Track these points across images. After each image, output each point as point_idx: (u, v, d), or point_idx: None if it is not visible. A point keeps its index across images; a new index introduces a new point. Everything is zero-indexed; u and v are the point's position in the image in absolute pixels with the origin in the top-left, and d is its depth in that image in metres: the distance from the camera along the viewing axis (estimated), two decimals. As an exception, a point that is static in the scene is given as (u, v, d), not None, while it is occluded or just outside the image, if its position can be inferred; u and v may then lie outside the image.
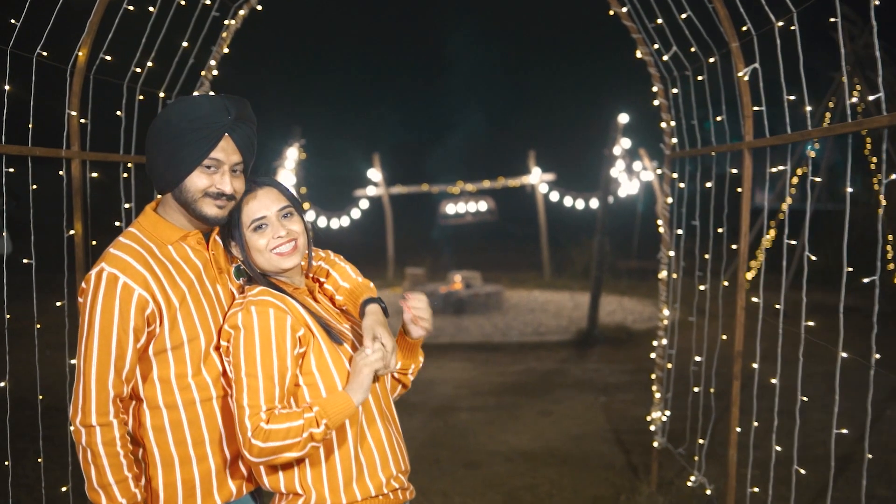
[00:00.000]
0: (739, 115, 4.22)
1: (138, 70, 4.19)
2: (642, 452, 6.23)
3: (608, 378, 8.88)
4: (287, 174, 14.19)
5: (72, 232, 3.81)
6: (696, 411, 5.28)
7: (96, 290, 2.31)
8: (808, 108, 3.48)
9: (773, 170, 3.86)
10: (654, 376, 5.58)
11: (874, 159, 12.00)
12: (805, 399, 3.72)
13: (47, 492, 4.05)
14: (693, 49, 4.50)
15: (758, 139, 4.03)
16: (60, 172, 3.77)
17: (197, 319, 2.42)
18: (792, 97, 3.67)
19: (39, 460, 3.98)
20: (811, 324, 3.68)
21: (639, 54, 4.95)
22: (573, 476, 5.84)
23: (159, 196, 2.55)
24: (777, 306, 3.93)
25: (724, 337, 4.69)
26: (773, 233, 12.54)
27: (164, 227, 2.47)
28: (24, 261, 3.72)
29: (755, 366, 4.16)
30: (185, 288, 2.42)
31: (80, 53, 3.78)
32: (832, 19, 3.13)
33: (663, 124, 5.21)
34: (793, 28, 3.40)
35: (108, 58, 3.91)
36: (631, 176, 15.54)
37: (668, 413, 5.51)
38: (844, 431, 3.54)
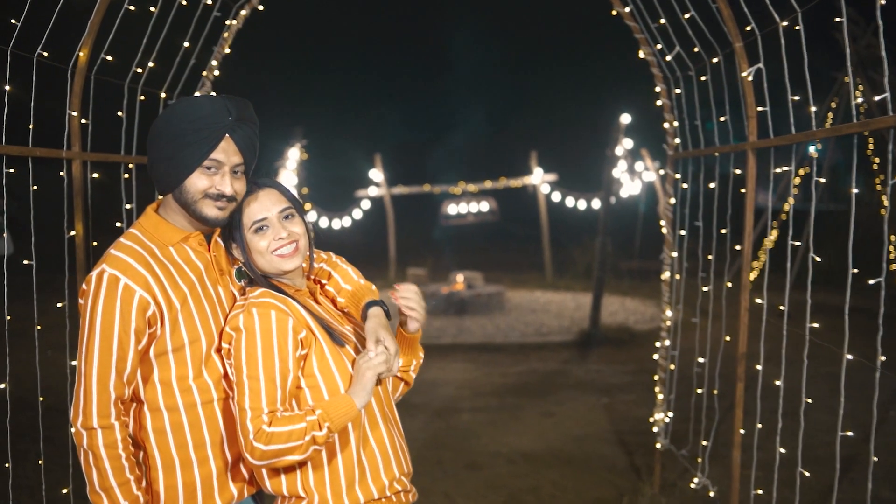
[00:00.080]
0: (743, 115, 4.20)
1: (139, 70, 4.18)
2: (645, 454, 6.21)
3: (610, 379, 8.86)
4: (289, 174, 14.18)
5: (73, 233, 3.80)
6: (699, 413, 5.26)
7: (97, 292, 2.30)
8: (813, 109, 3.46)
9: (778, 170, 3.84)
10: (656, 377, 5.56)
11: (877, 160, 11.98)
12: (809, 401, 3.70)
13: (48, 493, 4.04)
14: (696, 49, 4.48)
15: (762, 139, 4.01)
16: (61, 173, 3.76)
17: (198, 321, 2.41)
18: (796, 97, 3.65)
19: (40, 462, 3.96)
20: (816, 325, 3.66)
21: (642, 54, 4.94)
22: (575, 477, 5.82)
23: (160, 197, 2.54)
24: (781, 308, 3.91)
25: (728, 338, 4.67)
26: (775, 233, 12.51)
27: (166, 229, 2.46)
28: (25, 262, 3.70)
29: (759, 367, 4.14)
30: (187, 289, 2.41)
31: (81, 53, 3.77)
32: (837, 19, 3.11)
33: (666, 125, 5.19)
34: (797, 28, 3.38)
35: (109, 58, 3.90)
36: (633, 176, 15.54)
37: (670, 414, 5.49)
38: (850, 434, 3.52)
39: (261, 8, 4.72)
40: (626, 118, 12.66)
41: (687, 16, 4.30)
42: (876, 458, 3.34)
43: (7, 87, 3.35)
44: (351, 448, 2.38)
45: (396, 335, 2.60)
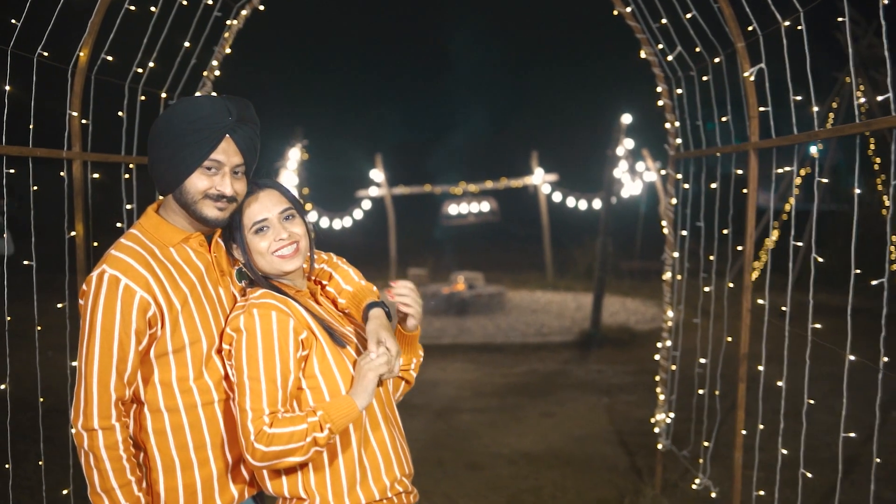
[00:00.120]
0: (745, 115, 4.19)
1: (140, 70, 4.17)
2: (646, 454, 6.20)
3: (611, 379, 8.85)
4: (289, 175, 14.16)
5: (73, 233, 3.79)
6: (700, 413, 5.26)
7: (97, 292, 2.29)
8: (816, 109, 3.45)
9: (780, 170, 3.83)
10: (657, 378, 5.55)
11: (878, 160, 11.97)
12: (812, 402, 3.69)
13: (48, 494, 4.03)
14: (698, 49, 4.47)
15: (764, 140, 4.00)
16: (62, 173, 3.75)
17: (199, 322, 2.40)
18: (798, 97, 3.64)
19: (40, 463, 3.96)
20: (818, 326, 3.65)
21: (643, 54, 4.93)
22: (576, 478, 5.82)
23: (161, 197, 2.53)
24: (784, 308, 3.90)
25: (730, 339, 4.66)
26: (776, 233, 12.50)
27: (166, 229, 2.45)
28: (25, 262, 3.70)
29: (761, 368, 4.13)
30: (187, 290, 2.40)
31: (82, 53, 3.76)
32: (839, 19, 3.10)
33: (668, 125, 5.18)
34: (799, 28, 3.37)
35: (110, 58, 3.89)
36: (634, 176, 15.53)
37: (672, 415, 5.48)
38: (852, 435, 3.51)
39: (261, 8, 4.72)
40: (626, 118, 12.65)
41: (688, 16, 4.30)
42: (879, 460, 3.33)
43: (7, 87, 3.35)
44: (352, 449, 2.37)
45: (396, 334, 2.59)
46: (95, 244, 3.87)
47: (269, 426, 2.19)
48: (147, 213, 2.51)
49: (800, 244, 3.90)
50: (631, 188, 15.54)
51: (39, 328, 3.79)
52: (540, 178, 17.40)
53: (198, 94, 4.60)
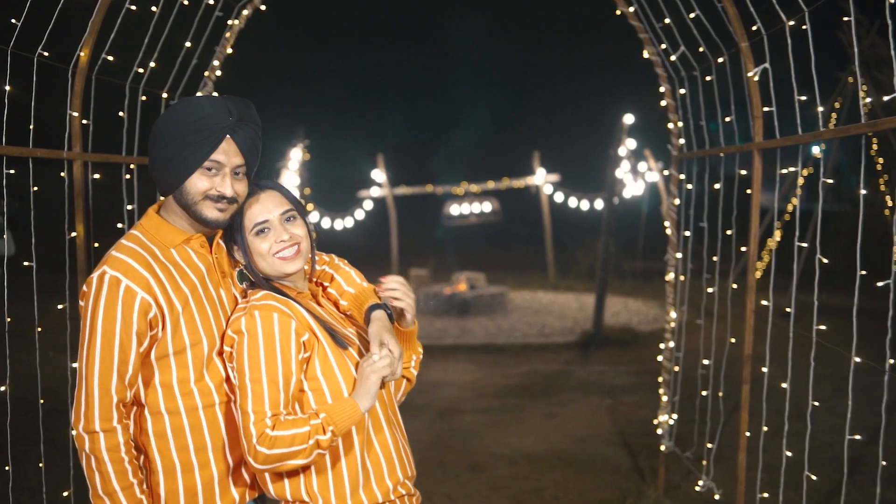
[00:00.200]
0: (749, 115, 4.17)
1: (141, 70, 4.16)
2: (649, 456, 6.18)
3: (614, 380, 8.83)
4: (291, 175, 14.15)
5: (73, 234, 3.78)
6: (703, 414, 5.24)
7: (98, 294, 2.27)
8: (821, 109, 3.43)
9: (784, 171, 3.81)
10: (660, 379, 5.53)
11: (880, 160, 11.95)
12: (816, 404, 3.68)
13: (49, 496, 4.02)
14: (701, 49, 4.45)
15: (768, 140, 3.98)
16: (62, 174, 3.74)
17: (200, 324, 2.39)
18: (803, 97, 3.62)
19: (41, 465, 3.94)
20: (823, 327, 3.63)
21: (646, 54, 4.91)
22: (579, 479, 5.80)
23: (162, 198, 2.52)
24: (788, 309, 3.89)
25: (733, 340, 4.65)
26: (778, 234, 12.48)
27: (167, 230, 2.44)
28: (25, 263, 3.68)
29: (765, 370, 4.11)
30: (188, 292, 2.39)
31: (82, 54, 3.75)
32: (844, 18, 3.09)
33: (671, 125, 5.17)
34: (804, 27, 3.35)
35: (111, 58, 3.88)
36: (636, 177, 15.50)
37: (675, 416, 5.46)
38: (858, 437, 3.49)
39: (263, 8, 4.70)
40: (629, 118, 12.63)
41: (692, 15, 4.28)
42: (885, 463, 3.31)
43: (7, 88, 3.34)
44: (355, 452, 2.36)
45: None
46: (96, 245, 3.86)
47: (271, 429, 2.18)
48: (148, 213, 2.49)
49: (804, 245, 3.88)
50: (633, 188, 15.51)
51: (40, 329, 3.77)
52: (542, 179, 17.39)
53: (199, 94, 4.59)
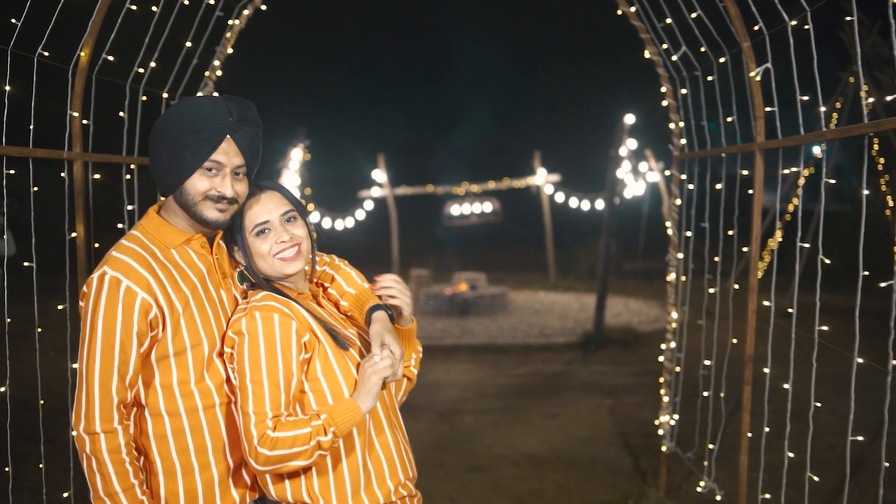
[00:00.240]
0: (751, 115, 4.16)
1: (141, 70, 4.15)
2: (650, 457, 6.17)
3: (615, 380, 8.82)
4: (292, 175, 14.14)
5: (74, 234, 3.77)
6: (704, 415, 5.23)
7: (98, 294, 2.27)
8: (823, 109, 3.42)
9: (786, 171, 3.80)
10: (662, 380, 5.52)
11: (881, 160, 11.94)
12: (819, 405, 3.67)
13: (49, 497, 4.01)
14: (703, 49, 4.44)
15: (770, 140, 3.97)
16: (62, 174, 3.73)
17: (200, 325, 2.38)
18: (805, 98, 3.61)
19: (41, 466, 3.93)
20: (825, 328, 3.62)
21: (647, 54, 4.90)
22: (580, 480, 5.79)
23: (163, 198, 2.51)
24: (790, 310, 3.88)
25: (735, 341, 4.64)
26: (778, 234, 12.47)
27: (168, 231, 2.43)
28: (26, 264, 3.68)
29: (766, 370, 4.10)
30: (189, 292, 2.38)
31: (83, 53, 3.74)
32: (847, 18, 3.08)
33: (672, 125, 5.16)
34: (806, 27, 3.34)
35: (111, 58, 3.87)
36: (637, 177, 15.49)
37: (676, 417, 5.45)
38: (860, 438, 3.48)
39: (263, 8, 4.70)
40: (629, 118, 12.62)
41: (693, 15, 4.27)
42: (888, 465, 3.30)
43: (7, 88, 3.33)
44: (356, 453, 2.35)
45: None
46: (96, 245, 3.86)
47: (272, 430, 2.17)
48: (148, 214, 2.49)
49: (806, 245, 3.87)
50: (634, 188, 15.50)
51: (40, 330, 3.77)
52: (542, 179, 17.38)
53: (199, 94, 4.58)
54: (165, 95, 4.42)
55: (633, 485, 5.66)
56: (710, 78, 4.57)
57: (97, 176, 4.06)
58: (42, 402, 3.80)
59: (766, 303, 4.13)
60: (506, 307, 14.12)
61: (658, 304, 13.86)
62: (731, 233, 4.63)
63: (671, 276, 5.39)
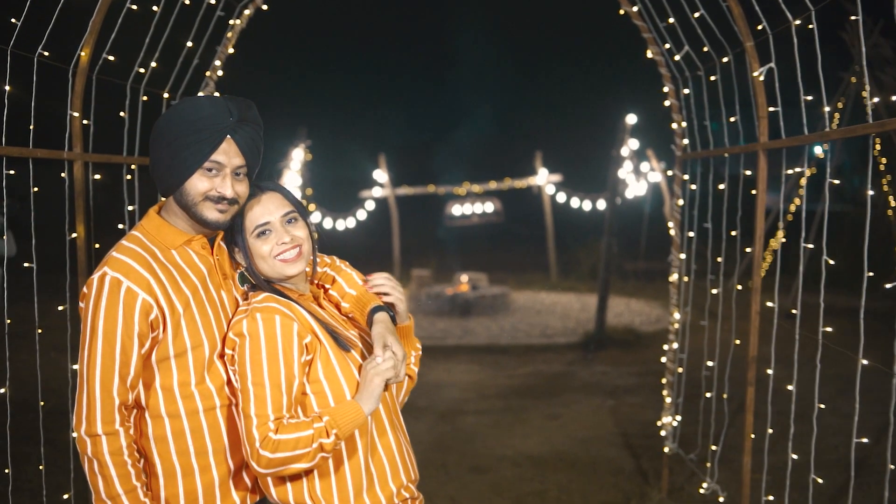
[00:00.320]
0: (754, 115, 4.14)
1: (142, 70, 4.14)
2: (652, 458, 6.15)
3: (616, 381, 8.81)
4: (293, 175, 14.14)
5: (74, 235, 3.76)
6: (707, 416, 5.21)
7: (99, 295, 2.25)
8: (827, 109, 3.40)
9: (790, 171, 3.79)
10: (664, 381, 5.51)
11: (883, 160, 11.92)
12: (822, 407, 3.65)
13: (49, 498, 4.00)
14: (706, 49, 4.43)
15: (773, 140, 3.95)
16: (63, 174, 3.72)
17: (201, 326, 2.36)
18: (809, 97, 3.60)
19: (41, 467, 3.92)
20: (829, 329, 3.60)
21: (650, 54, 4.88)
22: (582, 481, 5.77)
23: (163, 199, 2.50)
24: (794, 311, 3.86)
25: (738, 342, 4.62)
26: (780, 234, 12.45)
27: (168, 231, 2.41)
28: (26, 265, 3.66)
29: (770, 371, 4.08)
30: (190, 294, 2.36)
31: (83, 53, 3.73)
32: (852, 17, 3.06)
33: (674, 125, 5.14)
34: (811, 26, 3.32)
35: (111, 58, 3.86)
36: (638, 177, 15.48)
37: (678, 418, 5.43)
38: (865, 440, 3.46)
39: (265, 7, 4.68)
40: (631, 118, 12.60)
41: (696, 15, 4.25)
42: (893, 466, 3.28)
43: (7, 88, 3.32)
44: (358, 455, 2.33)
45: None
46: (97, 246, 3.85)
47: (274, 432, 2.16)
48: (149, 214, 2.47)
49: (810, 246, 3.85)
50: (635, 189, 15.49)
51: (40, 330, 3.76)
52: (544, 179, 17.37)
53: (200, 94, 4.57)
54: (166, 95, 4.40)
55: (635, 486, 5.64)
56: (712, 78, 4.55)
57: (97, 176, 4.05)
58: (42, 402, 3.78)
59: (769, 303, 4.11)
60: (507, 307, 14.12)
61: (659, 304, 13.85)
62: (734, 233, 4.61)
63: (674, 277, 5.37)
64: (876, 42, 10.88)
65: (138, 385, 2.32)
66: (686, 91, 4.92)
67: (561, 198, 17.21)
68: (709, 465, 4.99)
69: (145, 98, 4.19)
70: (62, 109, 3.70)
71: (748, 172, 4.43)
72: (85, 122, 3.83)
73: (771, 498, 4.23)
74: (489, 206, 18.15)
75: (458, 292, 13.86)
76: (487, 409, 7.80)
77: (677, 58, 4.70)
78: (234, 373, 2.30)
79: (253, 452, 2.16)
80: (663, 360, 5.55)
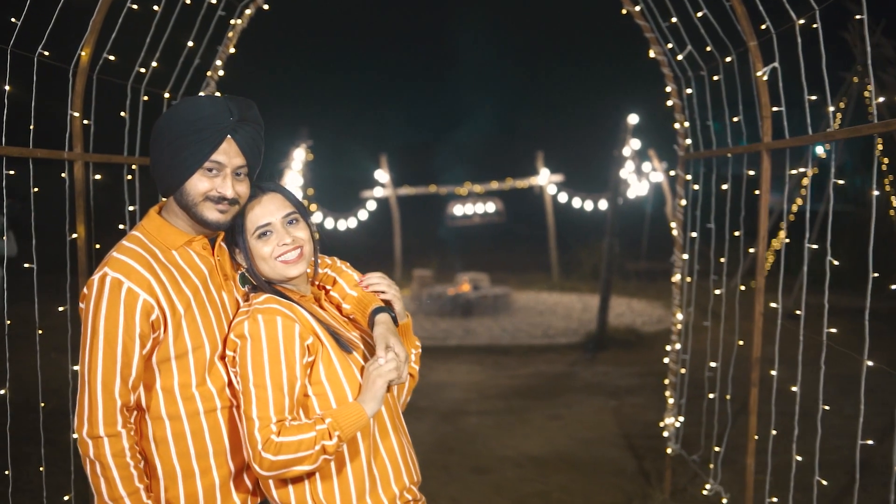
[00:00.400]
0: (757, 115, 4.13)
1: (143, 70, 4.13)
2: (654, 458, 6.13)
3: (618, 381, 8.79)
4: (294, 175, 14.14)
5: (74, 235, 3.75)
6: (710, 417, 5.19)
7: (100, 296, 2.24)
8: (831, 109, 3.38)
9: (794, 171, 3.77)
10: (667, 381, 5.49)
11: (885, 160, 11.91)
12: (827, 408, 3.63)
13: (49, 500, 3.99)
14: (709, 48, 4.41)
15: (777, 140, 3.94)
16: (63, 174, 3.71)
17: (202, 327, 2.35)
18: (813, 97, 3.58)
19: (41, 468, 3.91)
20: (833, 330, 3.58)
21: (652, 54, 4.87)
22: (584, 482, 5.76)
23: (164, 199, 2.48)
24: (798, 312, 3.84)
25: (741, 343, 4.60)
26: (782, 234, 12.43)
27: (169, 232, 2.40)
28: (26, 265, 3.65)
29: (773, 373, 4.06)
30: (191, 294, 2.35)
31: (83, 53, 3.72)
32: (857, 17, 3.05)
33: (677, 125, 5.12)
34: (815, 26, 3.30)
35: (112, 57, 3.85)
36: (640, 177, 15.46)
37: (681, 419, 5.42)
38: (870, 442, 3.44)
39: (266, 7, 4.67)
40: (633, 118, 12.59)
41: (699, 14, 4.23)
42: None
43: (7, 87, 3.30)
44: (361, 458, 2.32)
45: None
46: (97, 246, 3.84)
47: (276, 434, 2.14)
48: (149, 214, 2.46)
49: (815, 247, 3.84)
50: (637, 189, 15.48)
51: (41, 331, 3.74)
52: (545, 179, 17.36)
53: (201, 94, 4.56)
54: (167, 95, 4.39)
55: (638, 487, 5.63)
56: (715, 78, 4.53)
57: (98, 176, 4.04)
58: (43, 403, 3.77)
59: (772, 304, 4.09)
60: (509, 308, 14.11)
61: (661, 304, 13.83)
62: (737, 234, 4.59)
63: (676, 277, 5.35)
64: (878, 42, 10.86)
65: (140, 386, 2.31)
66: (689, 91, 4.90)
67: (562, 198, 17.20)
68: (712, 466, 4.97)
69: (146, 98, 4.18)
70: (62, 109, 3.69)
71: (751, 173, 4.41)
72: (85, 122, 3.82)
73: (774, 500, 4.21)
74: (491, 206, 18.14)
75: (460, 292, 13.84)
76: (489, 409, 7.79)
77: (680, 57, 4.69)
78: (236, 375, 2.28)
79: (255, 455, 2.15)
80: (666, 360, 5.54)
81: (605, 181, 12.44)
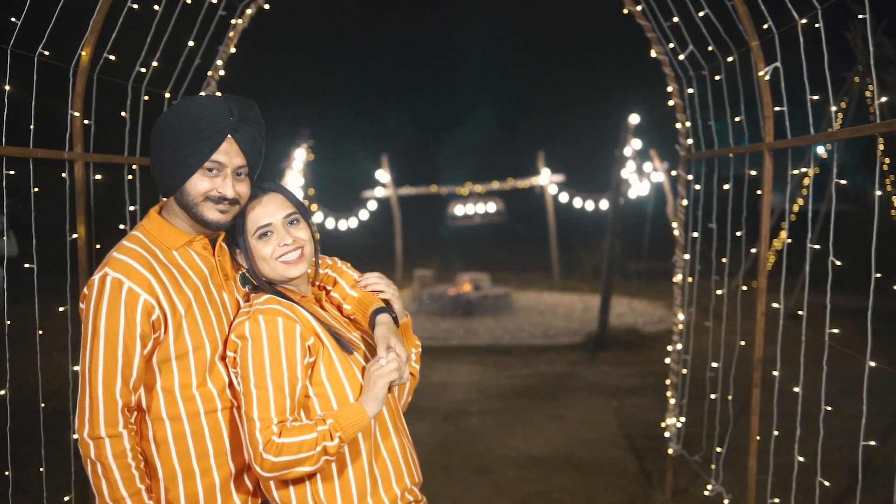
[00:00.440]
0: (759, 115, 4.12)
1: (143, 70, 4.12)
2: (656, 459, 6.12)
3: (619, 382, 8.78)
4: (295, 175, 14.13)
5: (75, 235, 3.74)
6: (712, 418, 5.18)
7: (100, 296, 2.23)
8: (833, 109, 3.38)
9: (795, 171, 3.77)
10: (668, 381, 5.48)
11: (887, 160, 11.90)
12: (829, 409, 3.62)
13: (50, 500, 3.98)
14: (710, 48, 4.40)
15: (779, 140, 3.93)
16: (63, 174, 3.70)
17: (202, 328, 2.34)
18: (815, 97, 3.57)
19: (42, 469, 3.90)
20: (836, 330, 3.58)
21: (653, 54, 4.86)
22: (585, 483, 5.75)
23: (164, 199, 2.47)
24: (800, 312, 3.83)
25: (743, 343, 4.59)
26: (783, 234, 12.43)
27: (169, 232, 2.39)
28: (27, 265, 3.65)
29: (775, 373, 4.05)
30: (191, 295, 2.34)
31: (84, 53, 3.71)
32: (860, 16, 3.04)
33: (678, 125, 5.11)
34: (817, 25, 3.30)
35: (112, 57, 3.84)
36: (641, 177, 15.45)
37: (682, 419, 5.41)
38: (872, 443, 3.43)
39: (266, 7, 4.66)
40: (634, 118, 12.58)
41: (701, 14, 4.23)
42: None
43: (8, 87, 3.30)
44: (362, 459, 2.31)
45: None
46: (98, 246, 3.83)
47: (277, 435, 2.14)
48: (150, 214, 2.45)
49: (817, 246, 3.83)
50: (638, 189, 15.46)
51: (41, 332, 3.74)
52: (546, 179, 17.35)
53: (202, 93, 4.55)
54: (167, 95, 4.39)
55: (639, 487, 5.62)
56: (717, 77, 4.53)
57: (98, 176, 4.04)
58: (43, 404, 3.77)
59: (774, 304, 4.08)
60: (509, 308, 14.10)
61: (662, 304, 13.82)
62: (738, 234, 4.58)
63: (678, 278, 5.34)
64: (879, 42, 10.85)
65: (140, 387, 2.30)
66: (690, 90, 4.90)
67: (563, 198, 17.19)
68: (713, 466, 4.96)
69: (146, 98, 4.18)
70: (63, 109, 3.68)
71: (753, 172, 4.40)
72: (86, 121, 3.82)
73: (776, 500, 4.20)
74: (491, 206, 18.14)
75: (461, 292, 13.84)
76: (490, 409, 7.78)
77: (681, 57, 4.68)
78: (236, 375, 2.27)
79: (256, 456, 2.14)
80: (667, 360, 5.53)
81: (607, 181, 12.42)
